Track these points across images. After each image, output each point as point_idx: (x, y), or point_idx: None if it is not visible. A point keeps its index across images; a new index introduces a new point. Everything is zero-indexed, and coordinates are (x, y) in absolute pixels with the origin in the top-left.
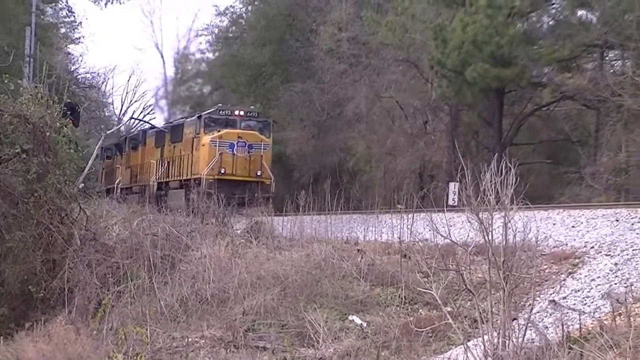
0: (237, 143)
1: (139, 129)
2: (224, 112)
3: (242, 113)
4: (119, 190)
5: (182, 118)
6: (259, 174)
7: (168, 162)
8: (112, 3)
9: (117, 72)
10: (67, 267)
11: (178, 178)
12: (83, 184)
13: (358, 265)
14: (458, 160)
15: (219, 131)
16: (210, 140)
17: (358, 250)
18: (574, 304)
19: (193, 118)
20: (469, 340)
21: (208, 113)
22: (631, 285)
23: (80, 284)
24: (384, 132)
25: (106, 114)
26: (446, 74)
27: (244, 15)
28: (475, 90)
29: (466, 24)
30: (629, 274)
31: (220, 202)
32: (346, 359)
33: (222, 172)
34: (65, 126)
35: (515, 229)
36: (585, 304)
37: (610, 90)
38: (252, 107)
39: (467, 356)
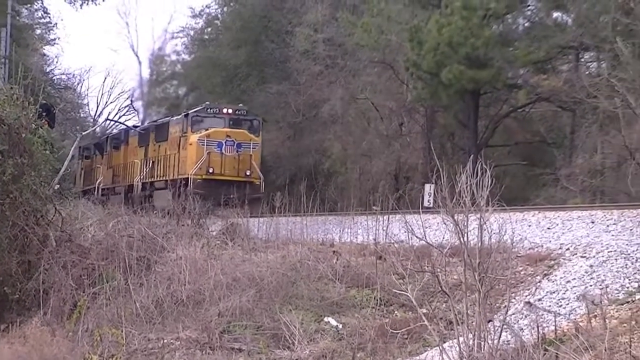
0: (225, 142)
1: (120, 128)
2: (212, 110)
3: (230, 111)
4: (99, 191)
5: (167, 117)
6: (248, 173)
7: (153, 162)
8: (87, 4)
9: (93, 73)
10: (42, 268)
11: (164, 178)
12: (58, 185)
13: (334, 266)
14: (433, 161)
15: (207, 130)
16: (198, 139)
17: (334, 251)
18: (550, 306)
19: (179, 116)
20: (444, 342)
21: (195, 111)
22: (606, 287)
23: (56, 285)
24: (359, 134)
25: (82, 115)
26: (422, 75)
27: (219, 16)
28: (450, 92)
29: (442, 26)
30: (604, 275)
31: (208, 202)
32: None
33: (210, 171)
34: (41, 127)
35: (491, 231)
36: (561, 305)
37: (585, 92)
38: (240, 104)
39: (442, 358)
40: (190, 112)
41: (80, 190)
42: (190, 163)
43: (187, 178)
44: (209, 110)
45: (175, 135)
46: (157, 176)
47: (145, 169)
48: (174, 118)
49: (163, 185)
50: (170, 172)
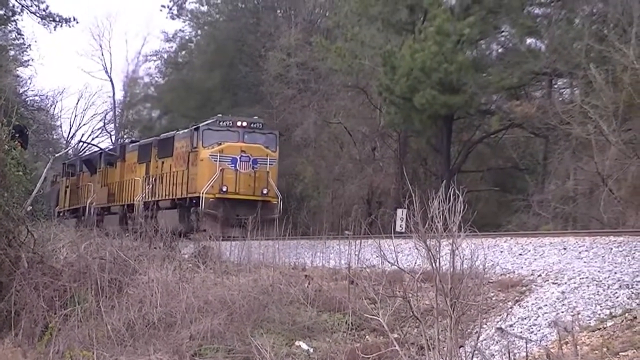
0: (240, 158)
1: (117, 143)
2: (224, 122)
3: (245, 124)
4: (91, 211)
5: (173, 131)
6: (265, 192)
7: (155, 180)
8: (61, 26)
9: (66, 95)
10: (14, 289)
11: (170, 197)
12: (31, 207)
13: (305, 291)
14: (406, 186)
15: (220, 144)
16: (210, 155)
17: (305, 276)
18: (521, 332)
19: (186, 130)
20: None
21: (207, 124)
22: (578, 313)
23: (27, 306)
24: (332, 158)
25: (54, 137)
26: (395, 100)
27: (193, 40)
28: (423, 117)
29: (415, 51)
30: (575, 302)
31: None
32: None
33: (224, 190)
34: (14, 149)
35: (463, 256)
36: (532, 332)
37: (558, 118)
38: (255, 117)
39: None
40: (200, 125)
41: (65, 210)
42: (202, 180)
43: (198, 197)
44: (221, 123)
45: (182, 150)
46: (161, 195)
47: (146, 187)
48: (180, 132)
49: (169, 204)
50: (177, 190)
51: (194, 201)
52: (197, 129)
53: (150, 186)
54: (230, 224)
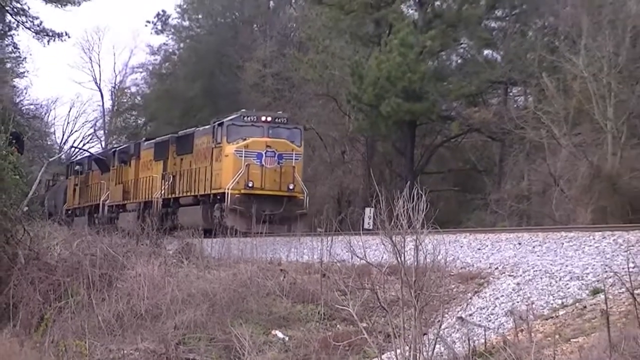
0: (265, 153)
1: (131, 141)
2: (248, 118)
3: (269, 119)
4: (106, 209)
5: (192, 128)
6: (291, 187)
7: (173, 176)
8: (54, 40)
9: (59, 104)
10: (12, 284)
11: (191, 193)
12: (27, 208)
13: (281, 283)
14: (373, 187)
15: (245, 139)
16: (235, 150)
17: (281, 270)
18: (480, 321)
19: (207, 127)
20: (382, 354)
21: (231, 119)
22: (532, 303)
23: (24, 300)
24: (305, 161)
25: (48, 142)
26: (362, 107)
27: (176, 52)
28: (389, 123)
29: (381, 62)
30: (530, 293)
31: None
32: None
33: (250, 185)
34: (11, 154)
35: (426, 251)
36: (490, 320)
37: (513, 123)
38: (279, 112)
39: None
40: (224, 120)
41: (75, 208)
42: (227, 176)
43: (223, 193)
44: (245, 118)
45: (203, 146)
46: (181, 191)
47: (165, 184)
48: (200, 129)
49: (191, 201)
50: (199, 186)
51: (219, 197)
52: (221, 124)
53: (169, 183)
54: (256, 220)
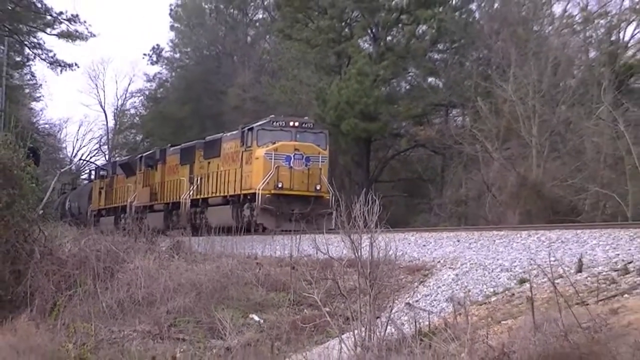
0: (293, 156)
1: (155, 147)
2: (277, 123)
3: (297, 124)
4: (133, 210)
5: (220, 133)
6: (317, 188)
7: (201, 179)
8: (65, 70)
9: (70, 123)
10: (29, 276)
11: (220, 194)
12: (42, 211)
13: (257, 275)
14: (334, 193)
15: (274, 143)
16: (265, 153)
17: (257, 263)
18: (425, 306)
19: (234, 132)
20: (343, 334)
21: (260, 124)
22: (469, 291)
23: (40, 289)
24: None
25: (60, 156)
26: (326, 127)
27: (168, 80)
28: (348, 139)
29: (341, 88)
30: (467, 282)
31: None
32: (247, 348)
33: (279, 186)
34: (29, 166)
35: (379, 247)
36: (433, 305)
37: (453, 139)
38: (305, 117)
39: (341, 346)
40: (254, 125)
41: (100, 209)
42: (257, 178)
43: (254, 193)
44: (274, 123)
45: (231, 150)
46: (209, 192)
47: (192, 186)
48: (228, 134)
49: (220, 201)
50: (229, 187)
51: (249, 197)
52: (251, 129)
53: (196, 185)
54: (285, 219)
